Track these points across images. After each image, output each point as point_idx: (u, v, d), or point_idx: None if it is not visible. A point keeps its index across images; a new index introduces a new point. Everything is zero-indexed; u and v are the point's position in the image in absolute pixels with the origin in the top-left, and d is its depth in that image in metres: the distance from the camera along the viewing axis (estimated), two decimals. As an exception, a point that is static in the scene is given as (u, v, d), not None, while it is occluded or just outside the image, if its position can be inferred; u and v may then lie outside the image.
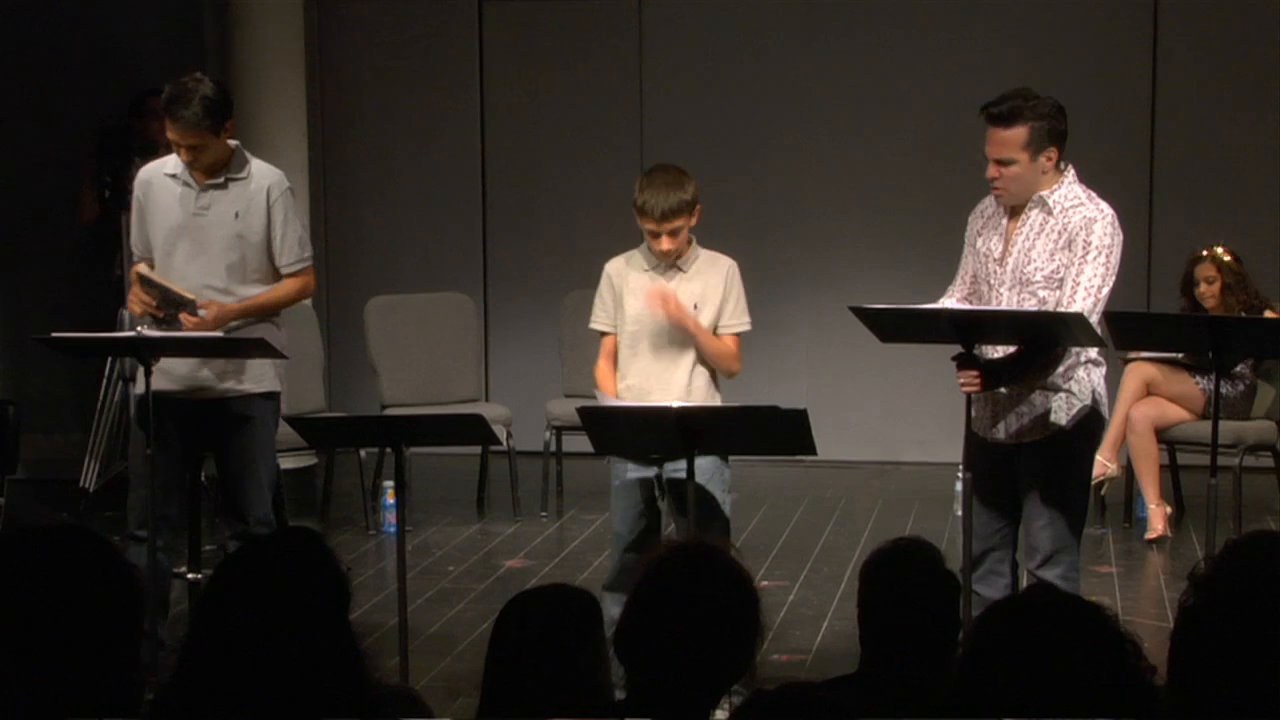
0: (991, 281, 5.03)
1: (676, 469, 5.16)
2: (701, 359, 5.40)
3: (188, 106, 5.53)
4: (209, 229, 5.70)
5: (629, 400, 5.32)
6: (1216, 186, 9.12)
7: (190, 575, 6.36)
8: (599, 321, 5.52)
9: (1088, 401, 4.97)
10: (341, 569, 2.69)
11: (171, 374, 5.63)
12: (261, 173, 5.78)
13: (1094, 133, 7.75)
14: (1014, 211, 5.00)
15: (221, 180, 5.70)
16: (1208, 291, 7.68)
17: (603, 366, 5.50)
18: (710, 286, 5.40)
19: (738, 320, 5.44)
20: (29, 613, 2.49)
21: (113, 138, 8.70)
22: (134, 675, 2.57)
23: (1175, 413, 7.79)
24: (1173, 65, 9.14)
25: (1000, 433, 5.02)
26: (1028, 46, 9.10)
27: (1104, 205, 4.92)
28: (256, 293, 5.77)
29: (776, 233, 9.36)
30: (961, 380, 4.85)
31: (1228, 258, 7.70)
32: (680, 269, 5.41)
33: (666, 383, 5.35)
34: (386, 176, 9.89)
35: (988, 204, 5.13)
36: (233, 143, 5.72)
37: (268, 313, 5.82)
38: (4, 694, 2.37)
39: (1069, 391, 4.95)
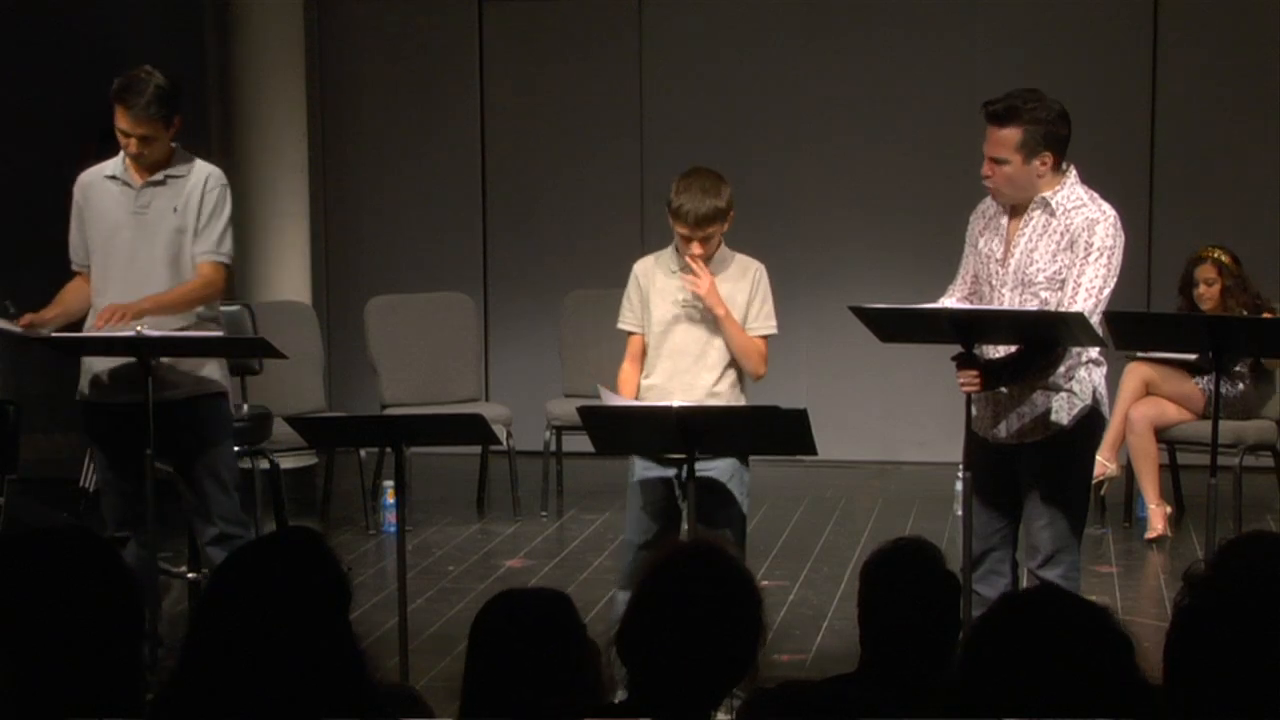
0: (993, 282, 5.01)
1: (700, 469, 5.09)
2: (732, 360, 5.39)
3: (141, 95, 5.50)
4: (149, 226, 5.63)
5: (651, 400, 5.30)
6: (1216, 186, 9.12)
7: (190, 575, 6.36)
8: (626, 322, 5.49)
9: (1089, 401, 4.97)
10: (341, 569, 2.69)
11: (118, 381, 5.53)
12: (202, 169, 5.73)
13: (1094, 133, 7.74)
14: (1016, 212, 4.98)
15: (161, 178, 5.65)
16: (1206, 293, 7.67)
17: (626, 368, 5.47)
18: (737, 289, 5.39)
19: (763, 324, 5.42)
20: (30, 614, 2.49)
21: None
22: (135, 676, 2.57)
23: (1175, 413, 7.79)
24: (1173, 65, 9.14)
25: (1001, 432, 5.02)
26: (1028, 46, 9.10)
27: (1106, 207, 4.91)
28: None
29: (776, 233, 9.34)
30: (961, 380, 4.85)
31: (1227, 259, 7.69)
32: (709, 271, 5.40)
33: (690, 384, 5.33)
34: (386, 176, 9.89)
35: (989, 204, 5.12)
36: (173, 144, 5.67)
37: (177, 309, 5.61)
38: (5, 694, 2.37)
39: (1070, 391, 4.95)
